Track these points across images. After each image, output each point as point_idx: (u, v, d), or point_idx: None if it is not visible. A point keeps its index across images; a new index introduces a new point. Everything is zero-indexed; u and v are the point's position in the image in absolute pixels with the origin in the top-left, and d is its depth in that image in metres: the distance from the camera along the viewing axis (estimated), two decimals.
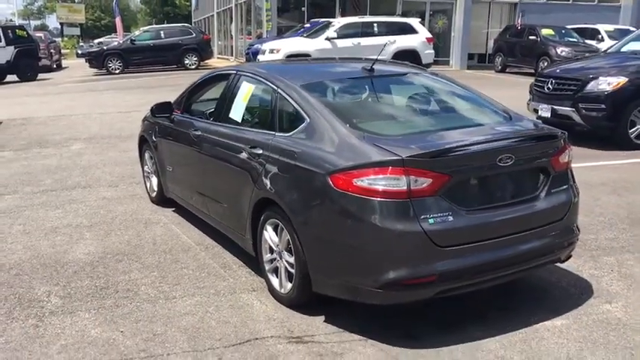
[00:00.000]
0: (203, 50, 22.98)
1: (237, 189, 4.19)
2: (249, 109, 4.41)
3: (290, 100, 3.90)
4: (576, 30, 21.13)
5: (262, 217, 3.94)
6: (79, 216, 5.84)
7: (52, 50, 29.09)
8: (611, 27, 21.90)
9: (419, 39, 17.07)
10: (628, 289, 4.06)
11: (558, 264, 4.02)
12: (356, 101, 4.04)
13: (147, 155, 6.17)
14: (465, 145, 3.31)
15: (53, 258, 4.76)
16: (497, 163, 3.31)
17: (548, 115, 8.92)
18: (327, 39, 16.18)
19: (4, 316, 3.81)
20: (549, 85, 8.98)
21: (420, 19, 18.94)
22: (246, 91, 4.46)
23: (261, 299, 3.98)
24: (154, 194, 6.13)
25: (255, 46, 17.87)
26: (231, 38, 30.17)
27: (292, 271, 3.69)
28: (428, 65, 17.65)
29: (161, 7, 64.69)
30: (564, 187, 3.66)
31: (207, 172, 4.76)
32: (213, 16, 35.60)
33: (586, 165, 7.63)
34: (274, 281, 3.94)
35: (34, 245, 5.06)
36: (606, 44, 17.59)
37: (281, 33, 20.99)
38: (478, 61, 25.71)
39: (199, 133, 4.80)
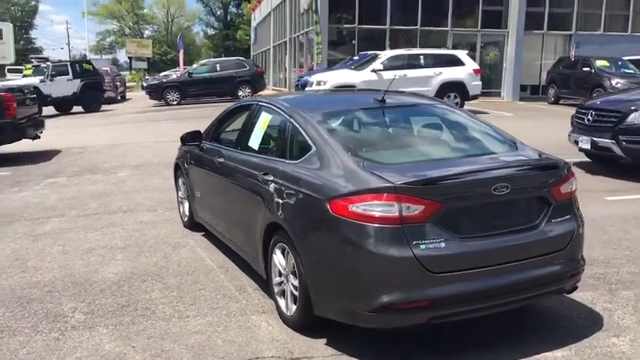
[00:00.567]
0: (256, 82, 23.66)
1: (252, 214, 4.38)
2: (265, 138, 4.63)
3: (300, 129, 4.09)
4: (634, 61, 20.60)
5: (272, 241, 4.10)
6: (114, 238, 6.17)
7: (117, 83, 30.53)
8: None
9: (466, 71, 17.07)
10: (639, 323, 3.98)
11: (571, 296, 3.99)
12: (362, 131, 4.18)
13: (180, 181, 6.47)
14: (458, 173, 3.40)
15: (84, 277, 5.06)
16: (493, 192, 3.37)
17: (588, 147, 8.77)
18: (373, 71, 16.40)
19: (31, 329, 4.09)
20: (589, 117, 8.85)
21: (467, 51, 18.93)
22: (263, 120, 4.69)
23: (269, 321, 4.12)
24: (185, 219, 6.41)
25: (305, 78, 18.28)
26: (285, 70, 30.93)
27: (297, 294, 3.83)
28: (475, 97, 17.64)
29: (222, 42, 66.95)
30: (567, 216, 3.66)
31: (227, 197, 4.99)
32: (269, 49, 36.61)
33: (623, 198, 7.47)
34: (282, 303, 4.08)
35: (69, 265, 5.38)
36: None
37: (332, 65, 21.38)
38: (531, 92, 25.36)
39: (222, 160, 5.05)
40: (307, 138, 3.97)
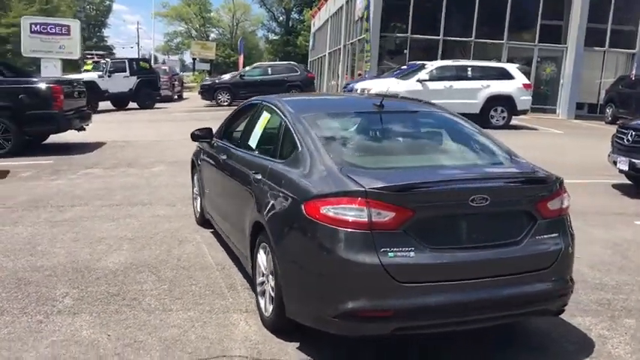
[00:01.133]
0: (306, 87, 23.78)
1: (243, 212, 4.37)
2: (262, 137, 4.62)
3: (291, 129, 4.06)
4: None
5: (257, 241, 4.08)
6: (127, 230, 6.28)
7: (174, 82, 31.31)
8: None
9: (515, 85, 16.61)
10: (632, 353, 3.74)
11: (569, 320, 3.80)
12: (352, 134, 4.10)
13: (195, 177, 6.55)
14: (432, 182, 3.28)
15: (86, 264, 5.17)
16: (470, 203, 3.24)
17: (626, 168, 8.37)
18: (419, 81, 16.21)
19: (19, 310, 4.20)
20: (629, 137, 8.44)
21: (517, 65, 18.44)
22: (263, 119, 4.69)
23: (248, 320, 4.09)
24: (197, 215, 6.47)
25: (351, 85, 18.26)
26: (338, 77, 30.97)
27: (273, 294, 3.79)
28: (524, 112, 17.16)
29: (283, 47, 67.63)
30: (554, 234, 3.48)
31: (226, 195, 5.01)
32: (325, 56, 36.77)
33: None
34: (262, 304, 4.04)
35: (76, 252, 5.52)
36: None
37: (382, 74, 21.26)
38: (588, 111, 24.45)
39: (225, 157, 5.07)
40: (296, 138, 3.94)
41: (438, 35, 23.46)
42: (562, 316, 4.19)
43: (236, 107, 5.83)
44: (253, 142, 4.69)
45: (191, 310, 4.25)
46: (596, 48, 23.71)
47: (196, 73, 60.44)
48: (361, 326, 3.25)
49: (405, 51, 23.52)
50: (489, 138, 4.13)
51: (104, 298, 4.44)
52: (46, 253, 5.48)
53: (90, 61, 26.03)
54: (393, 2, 23.27)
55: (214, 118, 19.50)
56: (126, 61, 23.74)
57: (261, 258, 4.02)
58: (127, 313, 4.18)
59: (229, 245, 5.13)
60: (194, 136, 5.80)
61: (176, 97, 31.78)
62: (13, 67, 13.93)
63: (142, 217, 6.83)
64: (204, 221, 6.29)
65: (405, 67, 19.03)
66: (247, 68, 27.23)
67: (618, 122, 20.02)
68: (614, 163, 8.71)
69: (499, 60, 21.46)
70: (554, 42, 23.87)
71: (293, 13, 70.13)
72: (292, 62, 27.63)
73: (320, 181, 3.45)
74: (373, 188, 3.17)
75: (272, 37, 76.73)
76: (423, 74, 16.40)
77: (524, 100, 16.74)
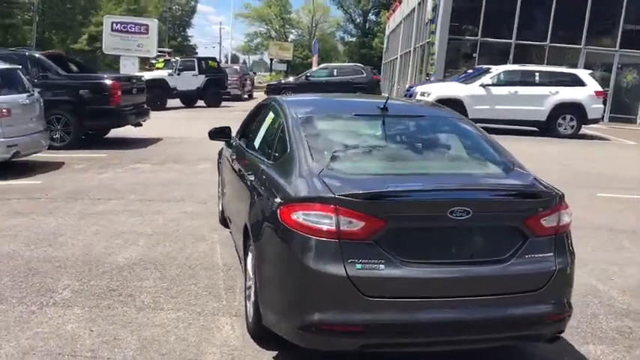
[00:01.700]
0: (371, 89, 23.51)
1: (239, 214, 4.28)
2: (263, 137, 4.51)
3: (287, 129, 3.91)
4: None
5: (247, 244, 3.97)
6: (149, 225, 6.34)
7: (244, 82, 31.84)
8: None
9: (586, 92, 15.68)
10: None
11: (578, 347, 3.48)
12: (345, 138, 3.89)
13: (219, 177, 6.53)
14: (406, 190, 3.05)
15: (97, 258, 5.23)
16: (449, 215, 2.99)
17: None
18: (482, 85, 15.63)
19: (17, 300, 4.28)
20: None
21: (590, 71, 17.42)
22: (267, 119, 4.57)
23: (234, 325, 3.99)
24: (220, 214, 6.44)
25: (412, 88, 17.89)
26: (407, 80, 30.50)
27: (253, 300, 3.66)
28: (595, 121, 16.22)
29: (358, 49, 67.53)
30: (547, 254, 3.17)
31: (234, 195, 4.93)
32: (397, 58, 36.34)
33: None
34: (248, 308, 3.92)
35: (93, 245, 5.60)
36: None
37: (448, 78, 20.72)
38: None
39: (235, 157, 5.00)
40: (287, 139, 3.79)
41: (510, 39, 22.63)
42: (572, 342, 3.88)
43: (254, 107, 5.74)
44: (257, 142, 4.60)
45: (181, 311, 4.19)
46: None
47: (273, 73, 61.39)
48: (327, 340, 3.07)
49: (475, 55, 22.85)
50: (495, 147, 3.82)
51: (102, 293, 4.46)
52: (64, 244, 5.59)
53: (161, 60, 26.85)
54: (464, 4, 22.67)
55: None
56: (195, 60, 24.34)
57: (249, 262, 3.90)
58: (117, 309, 4.17)
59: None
60: (212, 134, 5.75)
61: (246, 96, 32.28)
62: (80, 64, 14.52)
63: (169, 213, 6.88)
64: (224, 220, 6.25)
65: (470, 70, 18.44)
66: (314, 69, 27.29)
67: None
68: None
69: (575, 66, 20.43)
70: (637, 48, 22.47)
71: (370, 14, 69.91)
72: (359, 64, 27.44)
73: (297, 185, 3.29)
74: (342, 195, 2.99)
75: (348, 38, 76.72)
76: (486, 79, 15.82)
77: (595, 108, 15.80)
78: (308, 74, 25.27)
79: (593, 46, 22.65)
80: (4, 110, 8.94)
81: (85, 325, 3.90)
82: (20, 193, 7.79)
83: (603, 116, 16.64)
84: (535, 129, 16.35)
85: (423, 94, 15.76)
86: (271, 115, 4.54)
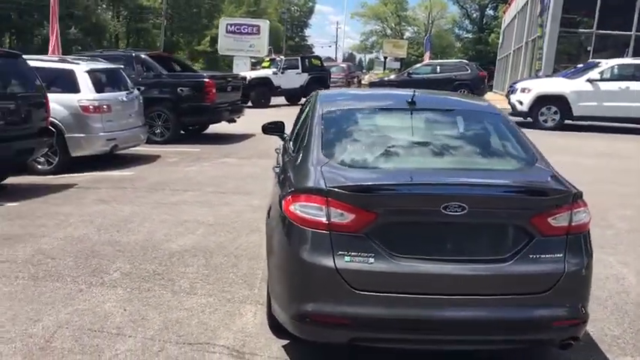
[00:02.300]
0: (476, 86, 22.78)
1: (272, 209, 4.38)
2: (297, 130, 4.57)
3: (310, 122, 3.96)
4: None
5: None
6: (213, 216, 6.62)
7: (350, 79, 32.12)
8: None
9: None
10: None
11: (610, 357, 3.25)
12: (362, 131, 3.83)
13: None
14: (397, 184, 2.98)
15: (155, 244, 5.56)
16: (443, 211, 2.89)
17: None
18: (589, 80, 14.64)
19: (71, 279, 4.67)
20: None
21: None
22: (304, 113, 4.64)
23: (257, 313, 4.10)
24: None
25: (515, 84, 17.12)
26: (518, 75, 29.23)
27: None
28: None
29: (474, 45, 65.62)
30: (556, 254, 2.97)
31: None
32: (510, 53, 34.94)
33: None
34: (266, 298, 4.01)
35: (156, 232, 5.96)
36: None
37: (556, 73, 19.62)
38: None
39: (281, 150, 5.11)
40: (308, 132, 3.84)
41: (630, 30, 20.98)
42: (608, 354, 3.60)
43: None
44: (293, 135, 4.69)
45: (212, 296, 4.37)
46: None
47: (387, 71, 61.24)
48: (317, 331, 3.09)
49: (589, 48, 21.43)
50: (522, 142, 3.60)
51: (147, 276, 4.74)
52: (131, 230, 5.99)
53: (267, 59, 27.68)
54: None
55: None
56: (299, 58, 24.85)
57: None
58: (155, 292, 4.43)
59: None
60: (265, 129, 5.89)
61: None
62: (183, 63, 15.37)
63: (236, 205, 7.14)
64: None
65: (580, 65, 17.33)
66: (417, 66, 26.91)
67: None
68: None
69: None
70: None
71: (488, 9, 67.61)
72: (464, 60, 26.73)
73: (299, 177, 3.34)
74: (333, 187, 2.99)
75: (464, 35, 74.73)
76: (594, 73, 14.80)
77: None
78: (410, 71, 24.97)
79: None
80: (104, 107, 9.69)
81: (121, 305, 4.18)
82: (111, 182, 8.42)
83: None
84: None
85: (523, 90, 15.08)
86: (307, 108, 4.60)
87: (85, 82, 9.64)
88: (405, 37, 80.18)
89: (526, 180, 3.17)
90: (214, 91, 12.49)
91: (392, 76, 26.11)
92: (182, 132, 13.43)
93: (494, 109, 4.03)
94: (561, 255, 2.98)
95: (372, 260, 2.93)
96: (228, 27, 32.97)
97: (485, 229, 3.01)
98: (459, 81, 22.73)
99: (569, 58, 22.07)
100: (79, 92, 9.51)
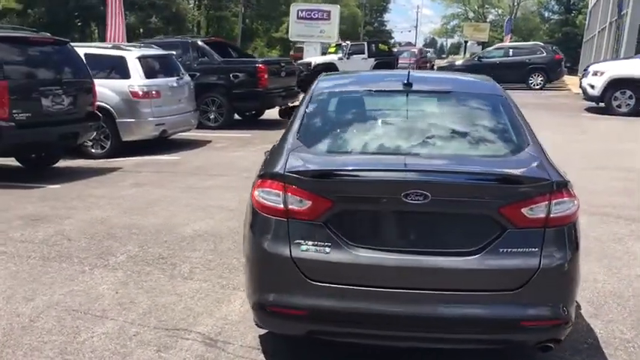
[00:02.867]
0: (551, 70, 21.64)
1: None
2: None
3: (299, 106, 3.80)
4: None
5: None
6: (236, 201, 6.52)
7: (422, 64, 31.44)
8: None
9: None
10: None
11: None
12: (350, 115, 3.60)
13: None
14: (352, 169, 2.77)
15: (170, 228, 5.57)
16: (403, 199, 2.66)
17: None
18: None
19: (78, 260, 4.74)
20: None
21: None
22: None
23: (246, 301, 3.94)
24: None
25: (589, 67, 16.08)
26: (600, 58, 27.52)
27: None
28: None
29: (560, 27, 62.47)
30: (530, 249, 2.67)
31: None
32: (595, 35, 32.97)
33: None
34: None
35: (175, 215, 5.98)
36: None
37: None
38: None
39: None
40: (294, 115, 3.68)
41: None
42: (611, 359, 3.26)
43: None
44: None
45: (207, 282, 4.32)
46: None
47: (467, 55, 59.55)
48: (276, 322, 2.97)
49: None
50: (517, 126, 3.26)
51: (151, 260, 4.75)
52: (153, 214, 6.05)
53: (334, 44, 27.47)
54: None
55: None
56: (365, 43, 24.53)
57: None
58: (153, 276, 4.43)
59: None
60: (281, 112, 5.75)
61: None
62: (239, 50, 15.46)
63: None
64: None
65: None
66: (489, 49, 25.88)
67: None
68: None
69: None
70: None
71: None
72: (539, 43, 25.42)
73: (268, 162, 3.20)
74: (290, 172, 2.82)
75: (550, 16, 71.29)
76: None
77: None
78: (480, 55, 24.05)
79: None
80: (153, 92, 9.88)
81: (115, 288, 4.20)
82: (154, 166, 8.58)
83: None
84: None
85: (595, 73, 14.12)
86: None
87: (135, 68, 9.85)
88: (488, 20, 77.55)
89: (500, 167, 2.86)
90: (266, 76, 12.47)
91: (460, 61, 25.23)
92: (238, 118, 13.54)
93: (497, 91, 3.70)
94: (537, 249, 2.68)
95: (328, 250, 2.76)
96: (299, 13, 32.90)
97: (451, 219, 2.75)
98: (533, 64, 21.66)
99: None
100: (129, 78, 9.74)
